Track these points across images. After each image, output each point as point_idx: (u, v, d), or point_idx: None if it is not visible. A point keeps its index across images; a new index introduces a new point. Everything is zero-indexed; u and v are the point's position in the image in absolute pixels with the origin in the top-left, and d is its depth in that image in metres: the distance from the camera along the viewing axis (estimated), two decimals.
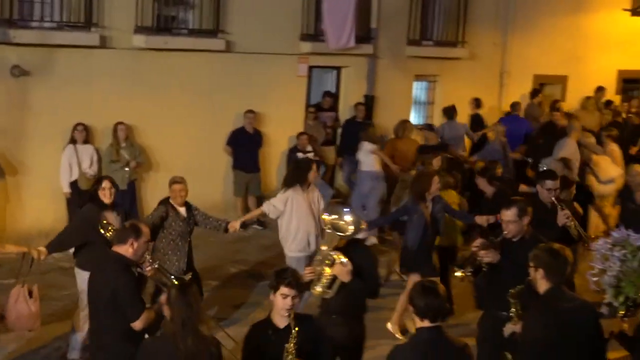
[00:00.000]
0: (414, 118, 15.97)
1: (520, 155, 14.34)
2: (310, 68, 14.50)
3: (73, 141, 11.66)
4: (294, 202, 9.00)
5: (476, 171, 10.99)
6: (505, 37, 17.05)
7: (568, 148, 12.86)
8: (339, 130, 14.87)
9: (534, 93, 17.20)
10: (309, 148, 13.47)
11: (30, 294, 7.51)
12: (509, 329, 6.28)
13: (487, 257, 6.65)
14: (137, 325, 5.95)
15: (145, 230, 6.27)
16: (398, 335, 9.00)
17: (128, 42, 12.15)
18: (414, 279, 8.76)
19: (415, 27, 15.59)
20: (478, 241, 6.77)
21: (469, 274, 6.75)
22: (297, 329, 5.46)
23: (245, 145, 13.37)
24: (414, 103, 16.29)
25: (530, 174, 13.16)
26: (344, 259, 6.42)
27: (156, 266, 6.47)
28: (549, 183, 8.39)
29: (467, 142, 15.28)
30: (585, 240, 8.32)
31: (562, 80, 18.27)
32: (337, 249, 6.52)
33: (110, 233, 7.49)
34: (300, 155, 13.15)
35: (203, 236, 10.34)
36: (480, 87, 16.46)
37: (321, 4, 13.89)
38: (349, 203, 12.85)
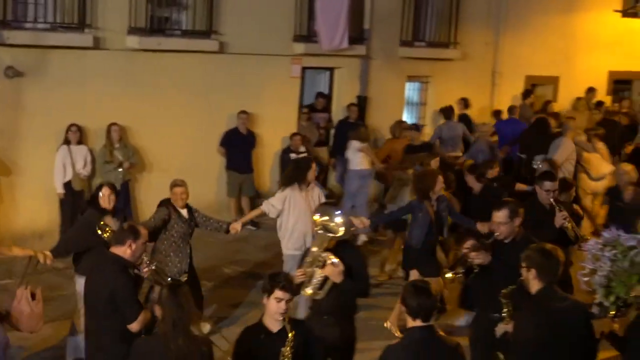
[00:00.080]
0: (407, 119, 16.00)
1: (504, 154, 14.43)
2: (304, 69, 14.52)
3: (67, 142, 11.67)
4: (291, 200, 9.03)
5: (465, 169, 11.07)
6: (497, 38, 17.11)
7: (565, 148, 12.92)
8: (332, 131, 14.91)
9: (526, 94, 17.27)
10: (302, 149, 13.50)
11: (33, 296, 7.52)
12: (501, 329, 6.31)
13: (478, 258, 6.67)
14: (134, 327, 5.98)
15: (143, 231, 6.31)
16: (398, 334, 9.00)
17: (121, 43, 12.16)
18: (414, 277, 8.78)
19: (408, 28, 15.64)
20: (469, 243, 6.78)
21: (460, 275, 6.79)
22: (293, 332, 5.44)
23: (238, 146, 13.40)
24: (406, 104, 16.34)
25: (523, 172, 13.27)
26: (335, 260, 6.44)
27: (153, 267, 6.51)
28: (548, 184, 8.39)
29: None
30: (581, 241, 8.35)
31: (553, 81, 18.35)
32: (326, 249, 6.55)
33: (108, 234, 7.51)
34: (293, 156, 13.19)
35: (200, 237, 10.36)
36: (472, 88, 16.52)
37: (314, 5, 13.91)
38: (342, 204, 12.88)
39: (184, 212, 8.81)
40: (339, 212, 6.70)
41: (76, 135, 11.69)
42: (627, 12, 18.82)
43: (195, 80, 13.01)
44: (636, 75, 19.56)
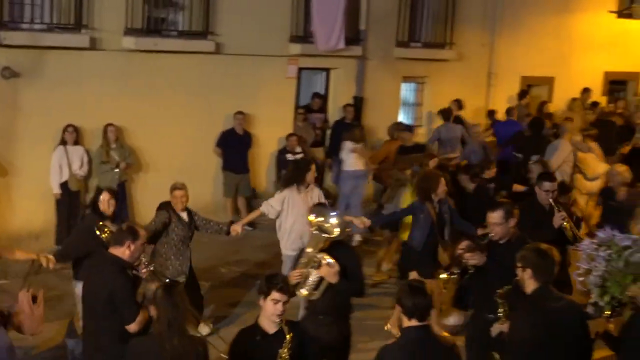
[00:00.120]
0: (402, 119, 16.03)
1: (496, 155, 14.47)
2: (300, 69, 14.54)
3: (63, 142, 11.67)
4: (290, 201, 9.06)
5: (459, 169, 11.10)
6: (492, 39, 17.13)
7: (562, 151, 12.94)
8: (328, 132, 14.92)
9: (522, 94, 17.31)
10: (298, 149, 13.51)
11: (35, 299, 7.53)
12: (497, 329, 6.33)
13: (473, 259, 6.69)
14: (132, 328, 5.99)
15: (142, 233, 6.32)
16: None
17: (118, 44, 12.16)
18: (413, 277, 8.79)
19: (404, 29, 15.66)
20: (464, 243, 6.79)
21: (455, 275, 6.80)
22: (291, 334, 5.43)
23: (235, 147, 13.40)
24: (402, 104, 16.36)
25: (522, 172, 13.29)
26: (331, 260, 6.46)
27: (151, 268, 6.52)
28: (547, 185, 8.40)
29: None
30: (579, 242, 8.36)
31: (549, 82, 18.39)
32: (321, 250, 6.56)
33: (106, 234, 7.52)
34: (289, 156, 13.21)
35: (197, 237, 10.37)
36: (468, 89, 16.55)
37: (310, 6, 13.92)
38: (337, 204, 12.88)
39: (184, 215, 8.83)
40: (334, 213, 6.72)
41: (73, 135, 11.69)
42: (622, 13, 18.88)
43: (192, 81, 13.02)
44: (631, 76, 19.63)
